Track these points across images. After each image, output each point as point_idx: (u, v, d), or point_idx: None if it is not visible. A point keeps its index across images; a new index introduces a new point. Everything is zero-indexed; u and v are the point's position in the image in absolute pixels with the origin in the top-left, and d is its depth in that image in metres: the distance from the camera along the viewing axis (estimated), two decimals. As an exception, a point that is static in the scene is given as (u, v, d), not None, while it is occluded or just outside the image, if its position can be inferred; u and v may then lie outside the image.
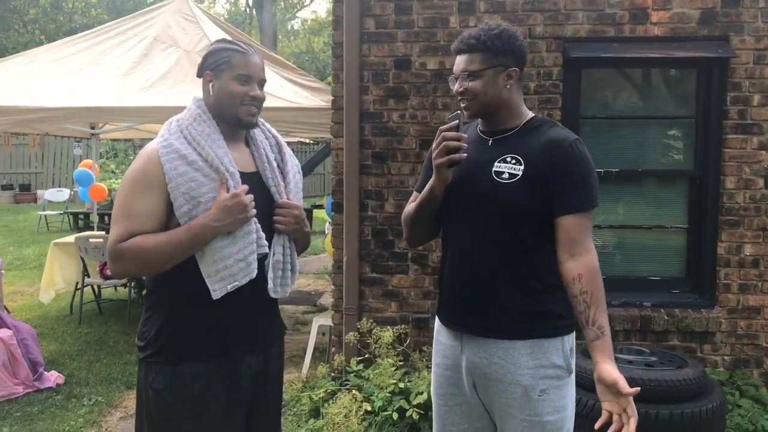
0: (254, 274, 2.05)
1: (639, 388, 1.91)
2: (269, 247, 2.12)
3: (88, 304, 6.97)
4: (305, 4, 34.55)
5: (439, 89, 4.17)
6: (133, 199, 1.99)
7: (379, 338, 3.88)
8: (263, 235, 2.09)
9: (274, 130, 2.30)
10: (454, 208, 2.21)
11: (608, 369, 1.94)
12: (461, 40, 2.16)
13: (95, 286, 7.11)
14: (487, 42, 2.09)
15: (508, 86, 2.14)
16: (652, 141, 4.31)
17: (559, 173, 2.05)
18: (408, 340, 4.06)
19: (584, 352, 3.57)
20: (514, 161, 2.10)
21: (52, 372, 5.08)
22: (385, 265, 4.28)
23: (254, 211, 2.05)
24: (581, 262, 2.02)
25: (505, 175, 2.09)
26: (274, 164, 2.20)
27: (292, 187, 2.21)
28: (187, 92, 5.75)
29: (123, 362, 5.52)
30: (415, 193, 2.36)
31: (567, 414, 2.16)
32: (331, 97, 6.20)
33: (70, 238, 7.03)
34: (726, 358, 4.17)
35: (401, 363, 3.95)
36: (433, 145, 2.13)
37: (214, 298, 2.00)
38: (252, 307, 2.11)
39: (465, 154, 2.09)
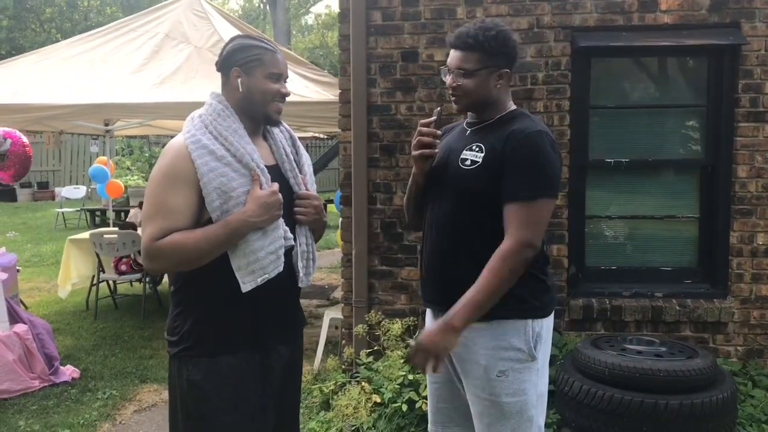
0: (281, 267, 2.11)
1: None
2: (294, 239, 2.18)
3: (103, 300, 7.04)
4: (318, -1, 34.52)
5: (442, 77, 4.14)
6: (166, 195, 2.00)
7: (388, 330, 3.89)
8: (287, 228, 2.15)
9: (286, 125, 2.35)
10: (429, 194, 2.34)
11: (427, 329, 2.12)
12: (458, 36, 2.24)
13: (110, 282, 7.18)
14: (484, 43, 2.17)
15: (498, 86, 2.23)
16: (663, 130, 4.27)
17: (507, 161, 2.12)
18: (417, 333, 4.05)
19: (593, 343, 3.56)
20: (477, 149, 2.20)
21: (68, 366, 5.14)
22: (395, 258, 4.28)
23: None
24: (499, 246, 2.09)
25: (468, 162, 2.20)
26: (291, 157, 2.25)
27: (308, 179, 2.29)
28: (198, 88, 5.85)
29: (137, 356, 5.57)
30: None
31: (527, 399, 2.21)
32: (339, 91, 6.23)
33: (86, 235, 7.11)
34: (739, 348, 4.13)
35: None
36: (413, 138, 2.27)
37: (243, 291, 2.05)
38: (281, 298, 2.18)
39: (436, 150, 2.24)
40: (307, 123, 6.90)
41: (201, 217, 2.03)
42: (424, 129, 2.23)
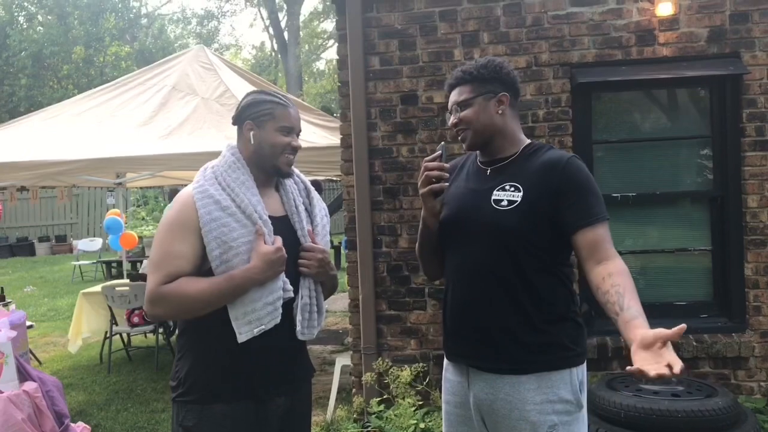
0: (279, 319, 2.10)
1: (685, 325, 1.68)
2: (296, 291, 2.17)
3: (117, 353, 7.01)
4: (328, 45, 35.08)
5: (446, 122, 4.14)
6: (171, 242, 2.05)
7: (397, 378, 3.81)
8: (287, 279, 2.14)
9: (302, 176, 2.37)
10: (453, 239, 2.20)
11: (648, 329, 1.73)
12: (452, 75, 2.23)
13: (124, 335, 7.15)
14: (474, 72, 2.14)
15: (500, 112, 2.15)
16: (669, 162, 4.22)
17: (562, 191, 2.02)
18: (428, 378, 3.97)
19: (608, 383, 3.46)
20: (512, 188, 2.08)
21: (79, 423, 5.07)
22: (402, 302, 4.22)
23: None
24: (609, 264, 1.95)
25: (504, 203, 2.07)
26: (302, 208, 2.26)
27: (319, 230, 2.28)
28: (205, 138, 5.90)
29: (150, 410, 5.51)
30: None
31: None
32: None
33: (98, 288, 7.11)
34: (762, 384, 3.99)
35: (420, 402, 3.86)
36: (419, 177, 2.16)
37: (240, 341, 2.05)
38: (279, 350, 2.14)
39: (446, 184, 2.12)
40: (315, 168, 6.93)
41: (203, 265, 2.05)
42: (431, 164, 2.11)
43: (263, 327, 2.06)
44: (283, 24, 27.07)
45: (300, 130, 2.22)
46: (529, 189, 2.05)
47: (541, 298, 2.06)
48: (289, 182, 2.28)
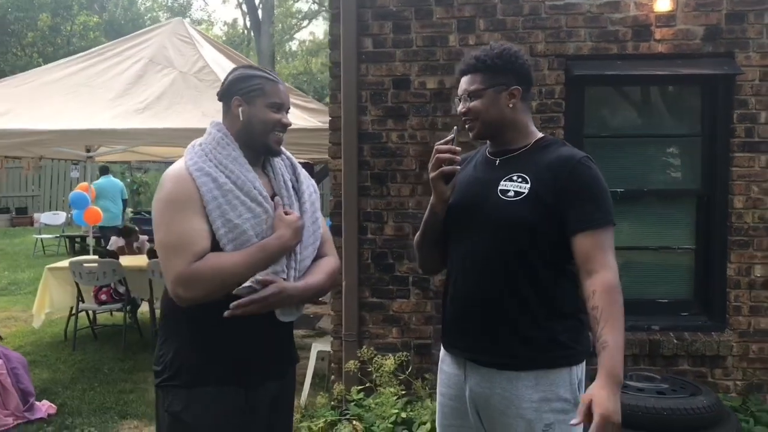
0: None
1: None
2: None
3: (82, 330, 6.82)
4: (303, 25, 34.70)
5: (438, 109, 4.08)
6: (182, 220, 1.96)
7: (381, 366, 3.75)
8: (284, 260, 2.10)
9: (288, 153, 2.29)
10: (457, 228, 2.15)
11: (594, 393, 1.80)
12: (463, 61, 2.14)
13: (90, 312, 6.97)
14: (487, 61, 2.07)
15: (510, 105, 2.10)
16: (658, 160, 4.22)
17: (567, 190, 1.98)
18: (410, 368, 3.93)
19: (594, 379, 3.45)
20: (520, 179, 2.04)
21: (44, 401, 4.93)
22: (386, 290, 4.16)
23: None
24: (596, 278, 1.92)
25: (511, 193, 2.03)
26: (290, 185, 2.20)
27: (308, 207, 2.20)
28: (183, 114, 5.74)
29: (117, 390, 5.36)
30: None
31: None
32: (328, 118, 6.16)
33: (65, 263, 6.91)
34: (738, 383, 4.04)
35: (403, 392, 3.81)
36: (429, 162, 2.11)
37: (224, 316, 1.95)
38: (267, 332, 2.09)
39: (458, 167, 2.07)
40: (293, 150, 6.81)
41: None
42: (442, 147, 2.07)
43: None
44: (257, 1, 26.61)
45: (289, 107, 2.16)
46: (536, 181, 2.01)
47: (545, 293, 2.02)
48: (276, 160, 2.21)
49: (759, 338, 4.02)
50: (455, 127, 2.11)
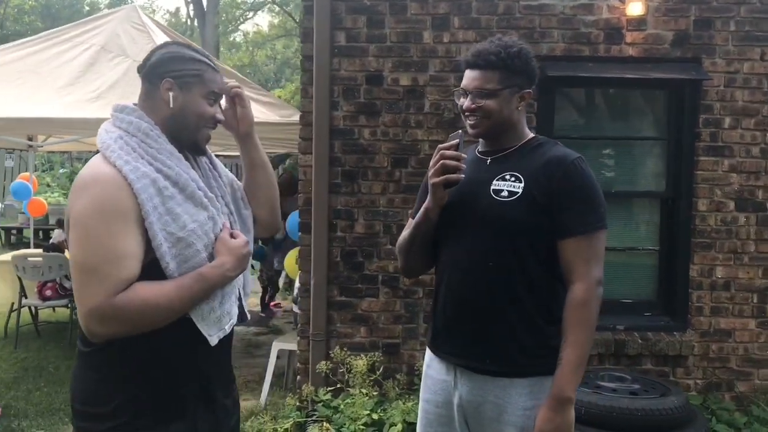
0: (236, 308, 1.86)
1: None
2: None
3: (24, 327, 6.52)
4: (248, 17, 34.17)
5: (411, 106, 4.03)
6: (112, 236, 1.59)
7: (353, 367, 3.68)
8: None
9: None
10: (450, 231, 2.08)
11: (542, 413, 1.90)
12: (477, 54, 2.02)
13: (32, 308, 6.66)
14: (507, 60, 1.98)
15: (519, 108, 2.05)
16: (625, 162, 4.28)
17: (559, 192, 1.94)
18: (381, 368, 3.87)
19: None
20: (513, 178, 1.99)
21: (-13, 404, 4.68)
22: (354, 288, 4.09)
23: None
24: (571, 290, 1.93)
25: (504, 193, 1.98)
26: (219, 180, 1.94)
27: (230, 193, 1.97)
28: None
29: (65, 390, 5.13)
30: (410, 219, 2.21)
31: None
32: (286, 112, 6.04)
33: (7, 257, 6.59)
34: (698, 381, 4.13)
35: (374, 393, 3.76)
36: (431, 164, 2.01)
37: (213, 344, 1.75)
38: (225, 344, 1.86)
39: (463, 175, 1.99)
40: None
41: (144, 260, 1.65)
42: (449, 152, 1.97)
43: (233, 320, 1.82)
44: (202, -9, 26.03)
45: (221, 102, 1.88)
46: (531, 181, 1.97)
47: (541, 298, 1.99)
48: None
49: (719, 338, 4.12)
50: (459, 131, 2.03)
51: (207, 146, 1.90)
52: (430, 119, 4.03)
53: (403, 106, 4.03)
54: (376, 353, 3.93)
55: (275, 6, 30.26)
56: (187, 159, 1.81)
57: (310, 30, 3.99)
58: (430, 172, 2.01)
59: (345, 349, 3.85)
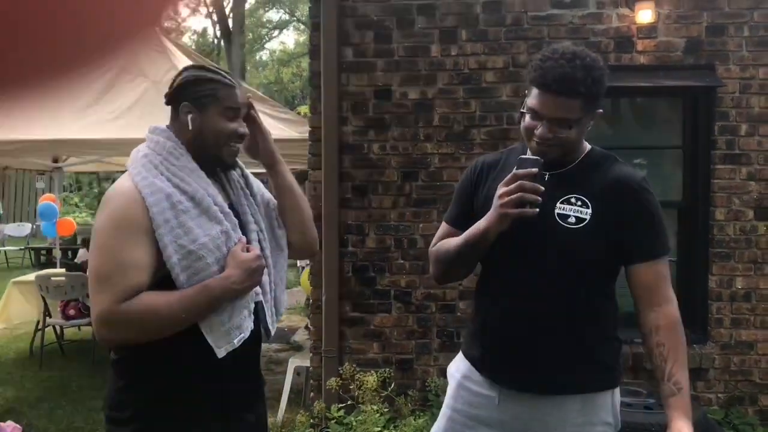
0: (252, 324, 1.85)
1: None
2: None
3: (49, 346, 6.60)
4: (273, 35, 34.62)
5: (420, 120, 4.02)
6: (122, 248, 1.69)
7: (363, 383, 3.66)
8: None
9: (239, 161, 2.05)
10: (508, 251, 1.94)
11: (680, 427, 1.77)
12: (559, 78, 1.79)
13: (57, 327, 6.75)
14: (592, 88, 1.81)
15: (589, 128, 1.92)
16: (640, 171, 4.21)
17: (631, 218, 1.87)
18: (392, 384, 3.84)
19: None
20: (579, 203, 1.87)
21: (8, 422, 4.72)
22: (367, 304, 4.08)
23: None
24: (660, 313, 1.85)
25: (572, 219, 1.86)
26: (248, 192, 1.99)
27: (263, 211, 2.02)
28: (155, 123, 5.59)
29: (87, 409, 5.19)
30: (444, 224, 2.13)
31: None
32: (304, 128, 6.07)
33: (31, 277, 6.70)
34: (720, 395, 4.03)
35: (386, 409, 3.72)
36: (504, 189, 1.82)
37: (219, 357, 1.76)
38: (246, 359, 1.89)
39: (537, 210, 1.81)
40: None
41: (158, 272, 1.73)
42: (528, 184, 1.79)
43: (243, 335, 1.81)
44: (227, 10, 26.47)
45: (245, 114, 1.91)
46: (598, 206, 1.86)
47: (596, 318, 1.93)
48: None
49: (740, 350, 4.01)
50: (540, 159, 1.82)
51: (241, 163, 1.98)
52: (440, 132, 4.02)
53: (412, 119, 4.03)
54: (389, 369, 3.90)
55: (300, 24, 30.63)
56: (217, 176, 1.90)
57: (317, 47, 4.01)
58: (504, 200, 1.82)
59: (355, 365, 3.83)
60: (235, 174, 1.98)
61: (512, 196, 1.81)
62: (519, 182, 1.80)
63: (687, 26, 3.96)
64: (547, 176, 1.89)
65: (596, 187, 1.89)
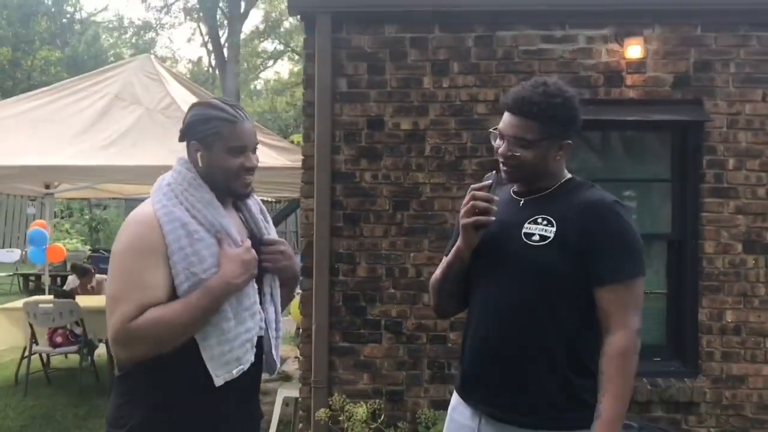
0: (253, 357, 1.91)
1: None
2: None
3: (34, 374, 6.52)
4: (268, 65, 34.85)
5: (412, 150, 4.05)
6: (139, 269, 1.78)
7: (352, 415, 3.62)
8: (263, 315, 1.97)
9: (255, 196, 2.14)
10: (480, 273, 2.03)
11: None
12: (519, 99, 1.93)
13: (43, 355, 6.67)
14: (548, 111, 1.90)
15: (557, 157, 1.97)
16: (629, 204, 4.24)
17: (593, 238, 1.87)
18: (382, 416, 3.80)
19: None
20: (545, 222, 1.92)
21: (-9, 451, 4.66)
22: (357, 333, 4.06)
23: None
24: (610, 340, 1.85)
25: (536, 237, 1.92)
26: (264, 226, 2.06)
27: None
28: (149, 151, 5.62)
29: (70, 439, 5.12)
30: (444, 258, 2.17)
31: None
32: (297, 157, 6.10)
33: (18, 303, 6.64)
34: (712, 430, 4.00)
35: (375, 441, 3.69)
36: (463, 204, 1.97)
37: (217, 385, 1.82)
38: (245, 390, 1.95)
39: (493, 218, 1.93)
40: (260, 188, 6.72)
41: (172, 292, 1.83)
42: (480, 194, 1.93)
43: (242, 367, 1.87)
44: (222, 40, 26.69)
45: (256, 145, 1.96)
46: (563, 225, 1.90)
47: (574, 347, 1.91)
48: (249, 200, 2.07)
49: (732, 384, 4.00)
50: (493, 173, 1.98)
51: (260, 201, 2.11)
52: (431, 162, 4.04)
53: (404, 149, 4.05)
54: (379, 400, 3.86)
55: (294, 54, 30.87)
56: (240, 211, 2.02)
57: (311, 77, 4.05)
58: (462, 212, 1.97)
59: (345, 396, 3.79)
60: (254, 209, 2.06)
61: (466, 207, 1.94)
62: (472, 193, 1.94)
63: (675, 62, 4.02)
64: (522, 202, 2.00)
65: (565, 207, 1.93)
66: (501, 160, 1.99)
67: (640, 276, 1.91)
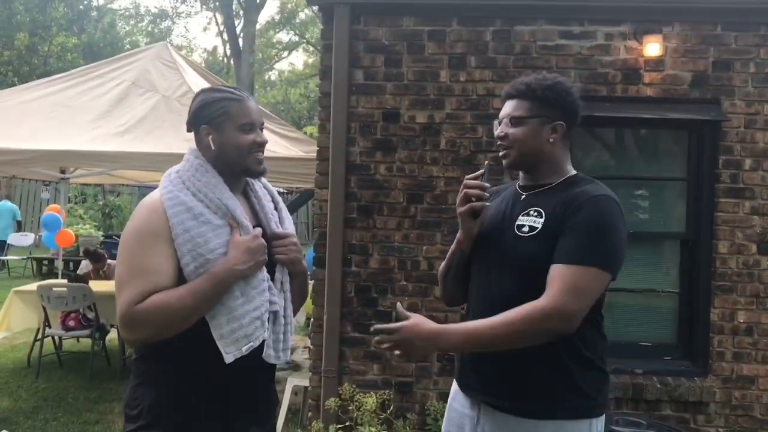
0: (266, 334, 1.94)
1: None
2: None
3: (47, 357, 6.58)
4: (283, 56, 34.89)
5: (428, 143, 4.06)
6: (143, 254, 1.84)
7: (362, 405, 3.64)
8: (275, 291, 2.00)
9: (268, 183, 2.18)
10: (478, 264, 2.09)
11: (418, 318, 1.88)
12: (512, 84, 2.06)
13: (55, 338, 6.74)
14: (537, 91, 1.99)
15: (551, 140, 2.00)
16: (644, 203, 4.24)
17: (565, 224, 1.88)
18: (391, 407, 3.83)
19: None
20: (536, 214, 1.97)
21: (2, 431, 4.72)
22: (368, 324, 4.04)
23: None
24: (535, 301, 1.82)
25: (525, 228, 1.97)
26: (275, 216, 2.09)
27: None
28: (164, 138, 5.65)
29: (82, 421, 5.16)
30: (450, 249, 2.22)
31: None
32: (309, 148, 6.12)
33: (33, 286, 6.70)
34: (720, 429, 4.00)
35: (384, 431, 3.71)
36: (458, 196, 2.05)
37: (228, 362, 1.86)
38: (255, 373, 1.98)
39: (487, 203, 2.01)
40: (273, 178, 6.74)
41: (180, 278, 1.86)
42: (471, 182, 2.01)
43: (252, 344, 1.89)
44: (238, 30, 26.72)
45: (262, 123, 2.02)
46: (550, 216, 1.93)
47: (569, 338, 1.89)
48: (258, 188, 2.10)
49: (742, 385, 4.00)
50: (486, 162, 2.08)
51: (273, 190, 2.15)
52: (446, 156, 4.05)
53: (419, 142, 4.06)
54: (388, 391, 3.89)
55: (309, 46, 30.89)
56: (248, 197, 2.05)
57: (328, 68, 4.06)
58: (457, 203, 2.05)
59: (355, 386, 3.82)
60: (264, 195, 2.10)
61: (459, 196, 2.02)
62: (464, 182, 2.03)
63: (694, 60, 4.00)
64: (524, 196, 2.06)
65: (557, 200, 1.96)
66: (498, 143, 2.06)
67: (598, 268, 1.84)
